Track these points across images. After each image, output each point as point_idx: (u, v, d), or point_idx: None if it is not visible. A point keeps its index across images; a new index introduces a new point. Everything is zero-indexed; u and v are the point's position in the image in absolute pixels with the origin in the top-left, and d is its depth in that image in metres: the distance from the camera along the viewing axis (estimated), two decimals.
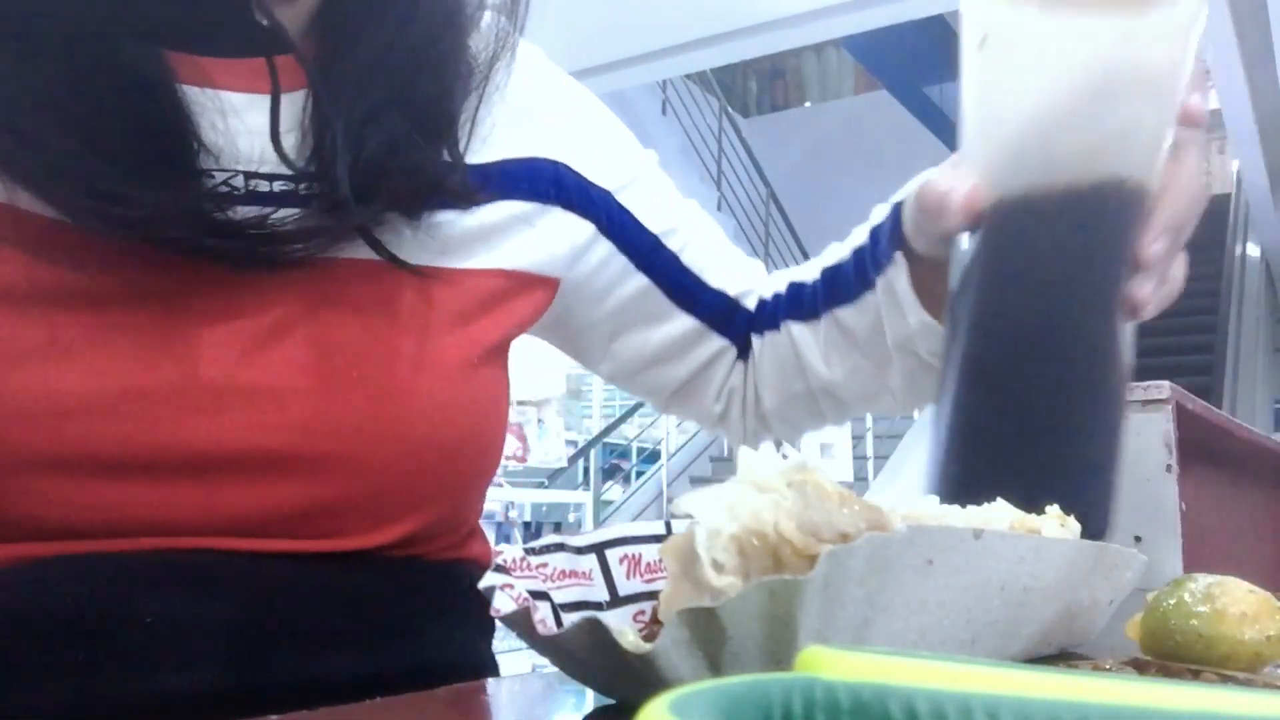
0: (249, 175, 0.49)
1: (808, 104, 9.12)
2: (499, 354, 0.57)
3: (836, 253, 0.65)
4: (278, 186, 0.50)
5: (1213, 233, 8.65)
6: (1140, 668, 0.38)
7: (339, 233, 0.49)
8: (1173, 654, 0.38)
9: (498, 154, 0.58)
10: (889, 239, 0.58)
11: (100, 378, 0.46)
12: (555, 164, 0.61)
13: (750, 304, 0.70)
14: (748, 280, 0.70)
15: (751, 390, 0.70)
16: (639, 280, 0.66)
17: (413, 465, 0.51)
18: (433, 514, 0.53)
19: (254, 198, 0.49)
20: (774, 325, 0.68)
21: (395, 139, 0.50)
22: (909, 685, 0.17)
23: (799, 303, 0.66)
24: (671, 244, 0.66)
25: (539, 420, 5.65)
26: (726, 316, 0.69)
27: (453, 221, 0.55)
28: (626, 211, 0.65)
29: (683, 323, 0.68)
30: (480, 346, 0.55)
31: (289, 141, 0.49)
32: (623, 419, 6.86)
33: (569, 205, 0.62)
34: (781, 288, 0.68)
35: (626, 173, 0.65)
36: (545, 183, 0.60)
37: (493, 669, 0.62)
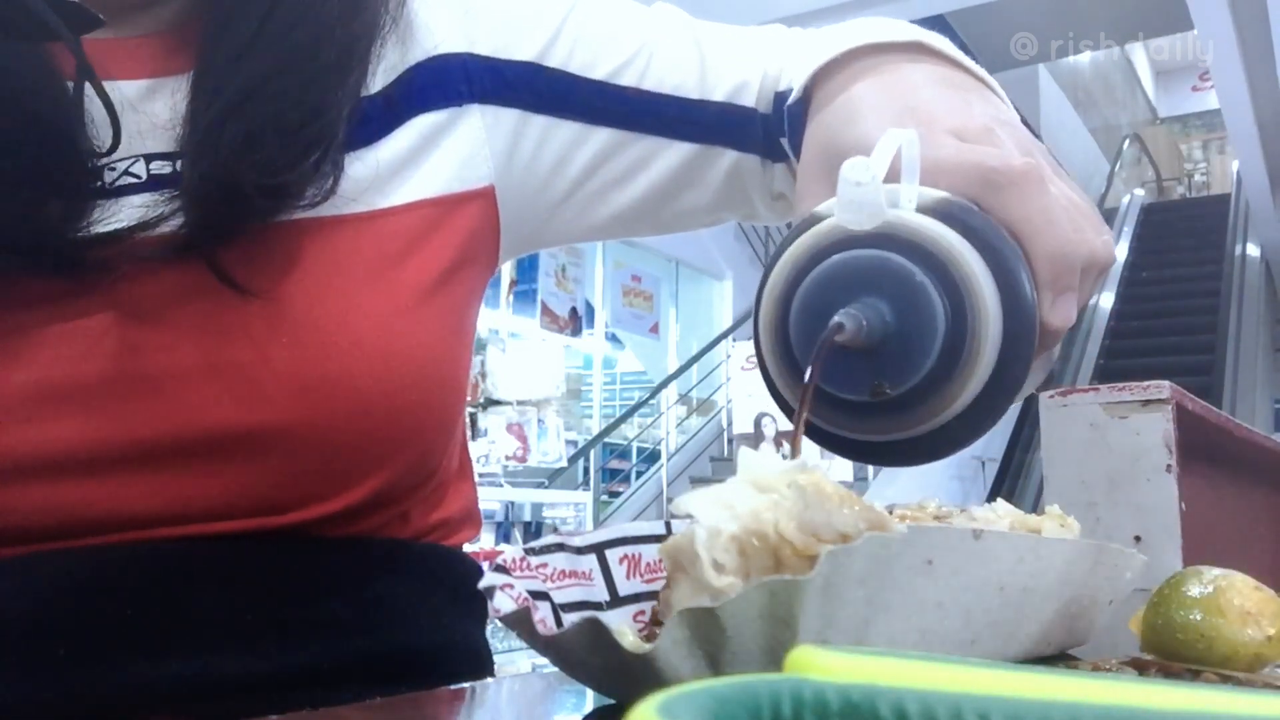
0: (149, 158, 0.48)
1: None
2: (445, 285, 0.54)
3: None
4: (179, 165, 0.49)
5: (1213, 233, 8.66)
6: (1140, 668, 0.38)
7: (195, 237, 0.47)
8: (1173, 650, 0.38)
9: (396, 72, 0.55)
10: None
11: (33, 373, 0.46)
12: (461, 58, 0.56)
13: (752, 99, 0.58)
14: (741, 71, 0.59)
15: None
16: (601, 134, 0.58)
17: (363, 421, 0.49)
18: (400, 464, 0.51)
19: (156, 182, 0.48)
20: (782, 132, 0.57)
21: (253, 132, 0.47)
22: (899, 686, 0.17)
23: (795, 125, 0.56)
24: (626, 79, 0.58)
25: (539, 420, 5.64)
26: (727, 125, 0.59)
27: (362, 158, 0.52)
28: (558, 73, 0.57)
29: (677, 152, 0.59)
30: (417, 287, 0.52)
31: (171, 130, 0.49)
32: (623, 419, 6.85)
33: (485, 98, 0.56)
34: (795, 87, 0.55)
35: (546, 31, 0.58)
36: (455, 82, 0.56)
37: (486, 655, 0.61)
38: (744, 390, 6.25)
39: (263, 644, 0.49)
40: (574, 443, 6.37)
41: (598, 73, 0.58)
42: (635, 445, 7.40)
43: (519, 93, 0.57)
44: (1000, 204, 0.38)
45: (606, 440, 6.68)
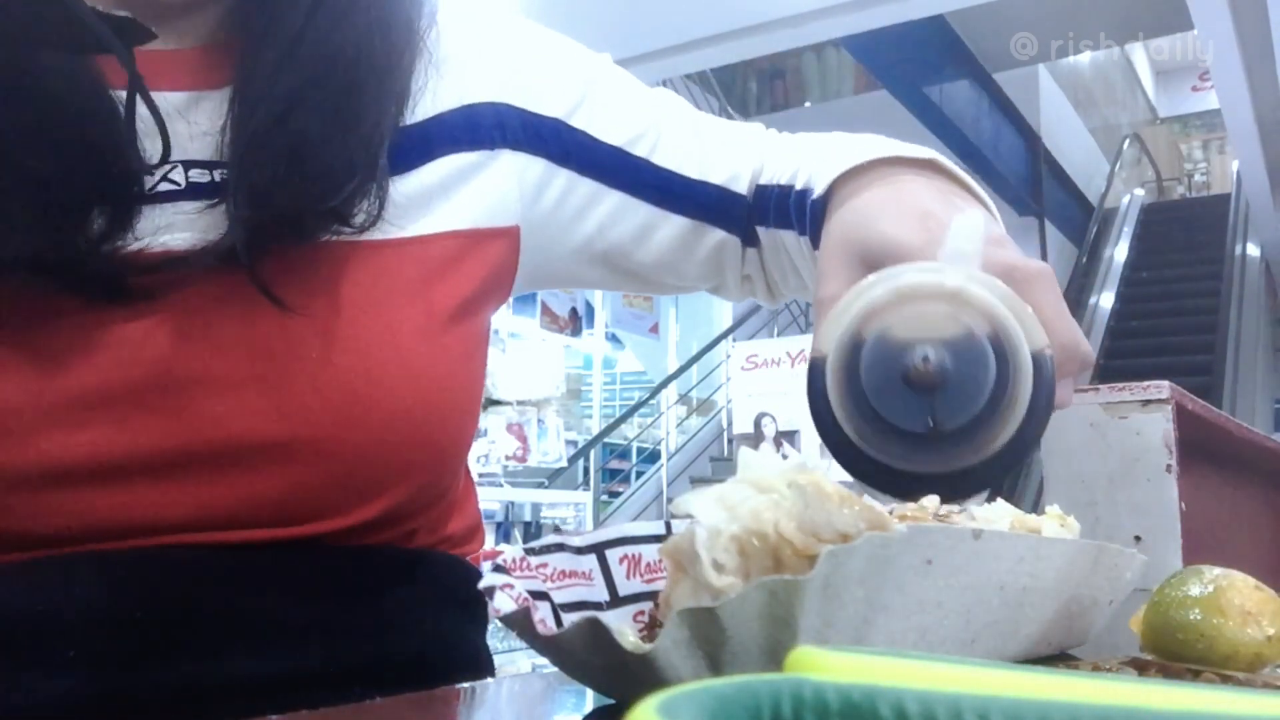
0: (188, 165, 0.49)
1: (808, 104, 9.10)
2: (467, 314, 0.56)
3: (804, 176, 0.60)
4: (219, 175, 0.49)
5: (1213, 233, 8.66)
6: (1140, 668, 0.38)
7: (230, 254, 0.47)
8: (1173, 650, 0.38)
9: (432, 109, 0.57)
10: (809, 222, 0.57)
11: (71, 379, 0.46)
12: (495, 106, 0.59)
13: (743, 188, 0.65)
14: (734, 162, 0.65)
15: (770, 276, 0.67)
16: (614, 197, 0.63)
17: (387, 439, 0.50)
18: (414, 484, 0.53)
19: (195, 190, 0.49)
20: (765, 223, 0.64)
21: (296, 145, 0.48)
22: (899, 686, 0.17)
23: (784, 214, 0.62)
24: (639, 150, 0.63)
25: (539, 420, 5.64)
26: (719, 207, 0.65)
27: (395, 185, 0.53)
28: (582, 133, 0.62)
29: (675, 224, 0.64)
30: (442, 312, 0.54)
31: (211, 140, 0.49)
32: (623, 419, 6.85)
33: (516, 145, 0.60)
34: (780, 180, 0.63)
35: (574, 93, 0.62)
36: (488, 128, 0.58)
37: (487, 660, 0.62)
38: (744, 390, 6.24)
39: (269, 648, 0.49)
40: (574, 443, 6.37)
41: (615, 139, 0.62)
42: (635, 445, 7.40)
43: (547, 145, 0.61)
44: (1023, 295, 0.44)
45: (606, 440, 6.67)
